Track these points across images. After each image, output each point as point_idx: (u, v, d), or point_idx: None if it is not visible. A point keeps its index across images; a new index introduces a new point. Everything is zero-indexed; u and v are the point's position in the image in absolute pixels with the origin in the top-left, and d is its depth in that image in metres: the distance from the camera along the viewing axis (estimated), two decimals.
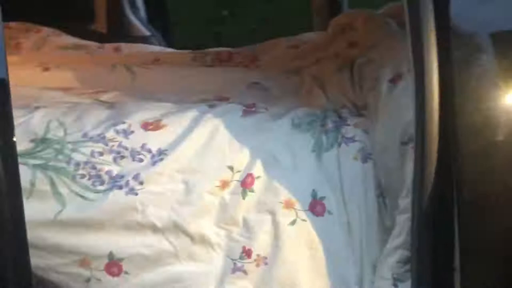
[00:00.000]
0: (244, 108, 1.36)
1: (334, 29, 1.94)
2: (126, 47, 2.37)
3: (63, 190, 1.18)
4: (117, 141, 1.23)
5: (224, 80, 1.70)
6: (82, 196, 1.18)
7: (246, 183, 1.24)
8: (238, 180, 1.24)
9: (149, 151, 1.23)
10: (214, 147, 1.25)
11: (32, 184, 1.17)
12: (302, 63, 1.88)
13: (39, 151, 1.20)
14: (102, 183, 1.19)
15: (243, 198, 1.23)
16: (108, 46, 2.37)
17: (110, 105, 1.39)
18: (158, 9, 2.83)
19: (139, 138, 1.24)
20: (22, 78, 1.68)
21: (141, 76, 1.71)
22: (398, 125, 1.20)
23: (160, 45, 2.71)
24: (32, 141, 1.21)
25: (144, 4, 2.73)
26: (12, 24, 2.55)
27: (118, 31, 2.63)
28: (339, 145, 1.27)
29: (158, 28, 2.84)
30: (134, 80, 1.70)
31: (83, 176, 1.19)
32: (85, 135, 1.23)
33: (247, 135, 1.27)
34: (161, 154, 1.23)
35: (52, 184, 1.17)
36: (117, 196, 1.19)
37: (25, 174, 1.16)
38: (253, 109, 1.39)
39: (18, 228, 0.95)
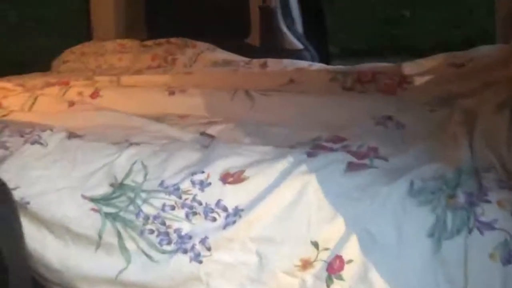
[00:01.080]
0: (351, 160, 1.07)
1: None
2: (272, 63, 2.25)
3: (130, 245, 1.07)
4: (191, 193, 1.07)
5: (351, 112, 1.42)
6: (147, 255, 1.06)
7: (333, 267, 0.95)
8: (323, 261, 0.96)
9: (224, 209, 1.04)
10: (298, 213, 1.00)
11: (100, 236, 1.08)
12: (459, 89, 1.48)
13: (114, 198, 1.11)
14: (169, 242, 1.05)
15: (328, 286, 0.95)
16: (256, 62, 2.29)
17: (204, 145, 1.24)
18: (316, 18, 2.63)
19: (215, 192, 1.06)
20: (146, 100, 1.67)
21: (260, 104, 1.54)
22: None
23: (312, 58, 2.53)
24: (111, 185, 1.13)
25: (301, 15, 2.56)
26: (173, 39, 2.65)
27: (271, 45, 2.52)
28: (470, 231, 0.89)
29: (315, 37, 2.66)
30: (252, 108, 1.54)
31: (151, 231, 1.06)
32: (161, 183, 1.10)
33: (343, 201, 0.98)
34: (236, 214, 1.03)
35: (120, 237, 1.07)
36: (181, 262, 1.03)
37: (95, 223, 1.09)
38: (365, 160, 1.09)
39: None
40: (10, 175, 1.16)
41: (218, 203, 1.05)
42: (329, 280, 0.95)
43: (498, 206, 0.90)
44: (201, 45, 2.56)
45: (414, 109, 1.38)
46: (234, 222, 1.02)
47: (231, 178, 1.07)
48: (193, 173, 1.10)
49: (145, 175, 1.12)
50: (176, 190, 1.08)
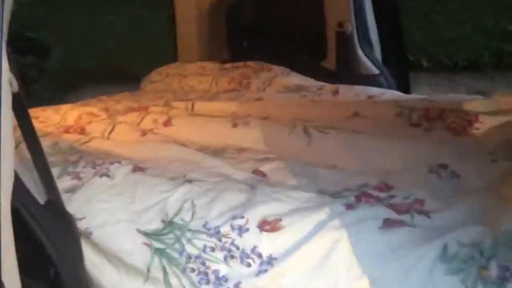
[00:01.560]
0: (388, 217, 1.07)
1: None
2: (344, 90, 2.26)
3: (174, 281, 1.15)
4: (230, 237, 1.13)
5: (406, 157, 1.40)
6: None
7: None
8: None
9: (259, 256, 1.09)
10: (327, 270, 1.02)
11: (148, 270, 1.18)
12: None
13: (163, 234, 1.20)
14: (207, 282, 1.11)
15: None
16: (328, 88, 2.31)
17: (252, 185, 1.30)
18: (396, 44, 2.58)
19: (252, 238, 1.11)
20: (212, 131, 1.77)
21: (316, 141, 1.57)
22: None
23: (388, 84, 2.49)
24: (162, 221, 1.23)
25: (379, 41, 2.53)
26: (250, 63, 2.75)
27: (347, 69, 2.52)
28: None
29: (394, 62, 2.61)
30: (308, 145, 1.57)
31: (192, 270, 1.14)
32: (205, 224, 1.17)
33: (372, 261, 0.99)
34: (269, 263, 1.07)
35: (165, 272, 1.16)
36: None
37: (145, 257, 1.19)
38: (405, 216, 1.08)
39: None
40: (79, 205, 1.30)
41: (253, 249, 1.11)
42: None
43: None
44: (276, 69, 2.63)
45: (474, 158, 1.33)
46: (266, 270, 1.07)
47: (268, 226, 1.12)
48: (234, 217, 1.16)
49: (193, 214, 1.21)
50: (217, 233, 1.15)
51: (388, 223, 1.07)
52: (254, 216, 1.15)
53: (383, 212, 1.10)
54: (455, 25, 5.07)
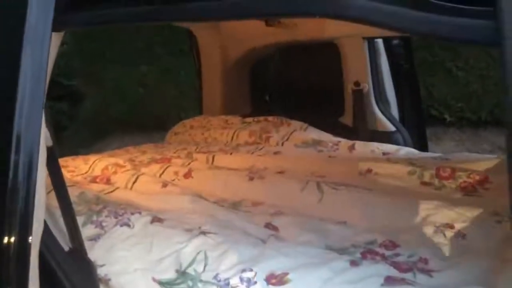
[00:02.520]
0: (390, 275, 1.12)
1: None
2: (360, 146, 2.33)
3: None
4: None
5: (414, 216, 1.46)
6: None
7: None
8: None
9: None
10: None
11: None
12: None
13: (176, 284, 1.26)
14: None
15: None
16: (344, 144, 2.38)
17: (263, 240, 1.37)
18: (413, 102, 2.66)
19: None
20: (229, 184, 1.86)
21: (328, 198, 1.63)
22: None
23: (405, 140, 2.55)
24: (176, 271, 1.29)
25: (396, 98, 2.62)
26: (270, 118, 2.86)
27: (363, 125, 2.60)
28: None
29: (412, 120, 2.69)
30: (320, 201, 1.64)
31: None
32: (216, 276, 1.24)
33: None
34: None
35: None
36: None
37: None
38: (408, 274, 1.13)
39: None
40: (100, 252, 1.38)
41: None
42: None
43: None
44: (295, 124, 2.72)
45: (480, 219, 1.38)
46: None
47: (275, 279, 1.18)
48: (243, 270, 1.22)
49: (205, 265, 1.28)
50: (226, 284, 1.21)
51: (389, 281, 1.11)
52: (262, 269, 1.21)
53: (386, 270, 1.15)
54: (477, 80, 5.12)
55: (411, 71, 2.73)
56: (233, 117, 2.96)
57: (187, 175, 1.98)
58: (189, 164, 2.14)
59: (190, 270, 1.28)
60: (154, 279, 1.30)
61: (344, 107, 2.69)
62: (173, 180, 1.96)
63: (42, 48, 1.06)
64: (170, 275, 1.30)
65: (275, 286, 1.17)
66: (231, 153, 2.30)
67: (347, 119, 2.69)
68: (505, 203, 1.52)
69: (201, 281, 1.25)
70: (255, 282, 1.19)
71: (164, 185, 1.87)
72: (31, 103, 1.06)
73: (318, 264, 1.20)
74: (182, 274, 1.28)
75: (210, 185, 1.88)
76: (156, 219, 1.52)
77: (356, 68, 2.58)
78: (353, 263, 1.19)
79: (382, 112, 2.58)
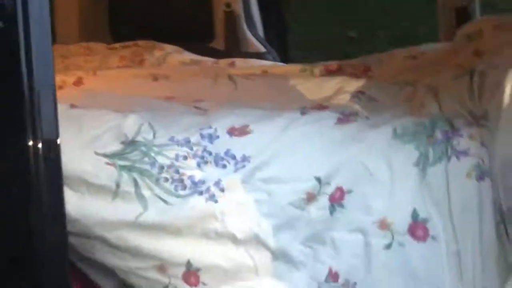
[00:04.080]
0: (339, 116, 1.24)
1: (460, 38, 1.75)
2: (240, 62, 2.40)
3: (146, 192, 1.16)
4: (201, 145, 1.18)
5: (327, 89, 1.60)
6: (163, 200, 1.15)
7: (335, 198, 1.11)
8: (326, 194, 1.12)
9: (233, 157, 1.17)
10: (301, 156, 1.15)
11: (117, 185, 1.16)
12: (418, 75, 1.71)
13: (127, 153, 1.20)
14: (184, 188, 1.15)
15: (331, 214, 1.11)
16: (224, 62, 2.42)
17: (203, 111, 1.36)
18: (276, 26, 2.83)
19: (223, 143, 1.19)
20: (132, 86, 1.77)
21: (243, 85, 1.68)
22: None
23: (274, 60, 2.71)
24: (122, 143, 1.21)
25: (261, 21, 2.75)
26: (140, 42, 2.74)
27: (236, 48, 2.68)
28: (449, 159, 1.09)
29: (275, 46, 2.85)
30: (235, 89, 1.68)
31: (166, 179, 1.16)
32: (171, 138, 1.20)
33: (338, 145, 1.15)
34: (245, 160, 1.16)
35: (136, 185, 1.16)
36: (197, 202, 1.14)
37: (112, 174, 1.17)
38: (351, 117, 1.27)
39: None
40: None
41: (227, 152, 1.17)
42: (332, 209, 1.11)
43: (470, 138, 1.12)
44: (169, 47, 2.65)
45: (385, 87, 1.58)
46: (243, 166, 1.15)
47: (237, 131, 1.20)
48: (201, 128, 1.21)
49: (154, 133, 1.22)
50: (187, 142, 1.19)
51: (341, 120, 1.24)
52: (221, 125, 1.22)
53: (333, 114, 1.26)
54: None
55: None
56: (96, 44, 2.76)
57: (78, 82, 1.81)
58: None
59: (139, 139, 1.21)
60: (97, 153, 1.20)
61: (214, 31, 2.72)
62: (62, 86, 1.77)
63: None
64: (115, 147, 1.21)
65: (238, 137, 1.19)
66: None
67: (218, 43, 2.73)
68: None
69: (155, 145, 1.20)
70: (218, 136, 1.19)
71: (59, 88, 1.68)
72: None
73: (273, 116, 1.25)
74: (131, 143, 1.21)
75: (109, 89, 1.76)
76: (74, 106, 1.38)
77: None
78: (303, 113, 1.28)
79: (252, 34, 2.68)
